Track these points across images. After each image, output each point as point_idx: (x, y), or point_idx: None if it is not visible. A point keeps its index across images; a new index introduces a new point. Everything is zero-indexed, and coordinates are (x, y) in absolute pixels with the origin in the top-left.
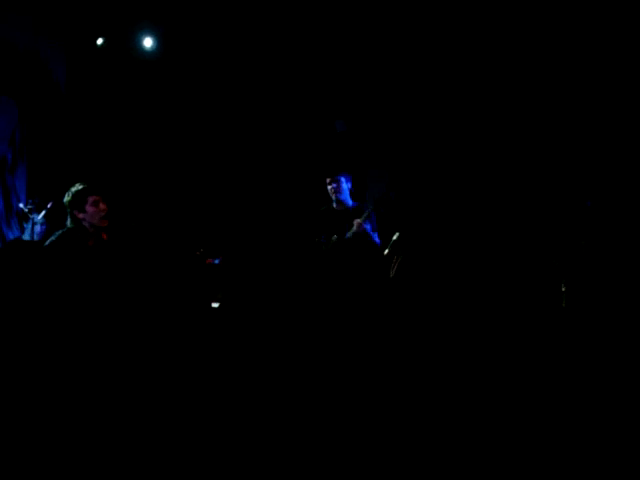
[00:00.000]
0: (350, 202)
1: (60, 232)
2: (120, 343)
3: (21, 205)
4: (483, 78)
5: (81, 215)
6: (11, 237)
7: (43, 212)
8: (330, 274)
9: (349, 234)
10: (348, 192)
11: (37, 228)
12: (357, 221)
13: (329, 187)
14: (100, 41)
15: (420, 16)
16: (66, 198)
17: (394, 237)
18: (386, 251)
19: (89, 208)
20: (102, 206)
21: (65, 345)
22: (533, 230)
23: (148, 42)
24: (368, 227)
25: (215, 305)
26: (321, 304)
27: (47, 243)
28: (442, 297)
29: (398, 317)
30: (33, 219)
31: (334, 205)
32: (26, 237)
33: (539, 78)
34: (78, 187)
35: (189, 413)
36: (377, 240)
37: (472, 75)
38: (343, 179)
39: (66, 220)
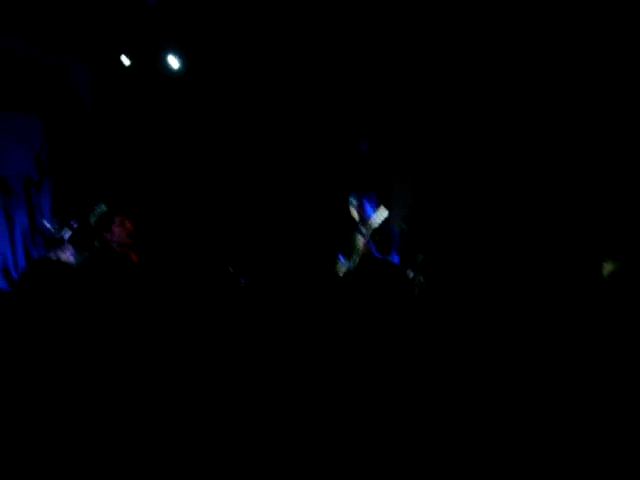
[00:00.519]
0: (373, 217)
1: (87, 254)
2: (146, 363)
3: (46, 223)
4: (503, 101)
5: (108, 235)
6: (35, 255)
7: (68, 232)
8: (344, 295)
9: (355, 256)
10: (372, 211)
11: (66, 248)
12: (360, 240)
13: (352, 208)
14: (126, 61)
15: (438, 40)
16: (92, 219)
17: (419, 258)
18: (410, 274)
19: (116, 228)
20: (128, 225)
21: (91, 366)
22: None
23: (174, 62)
24: (373, 247)
25: None
26: (337, 325)
27: (76, 264)
28: (464, 316)
29: (419, 337)
30: (59, 237)
31: (362, 229)
32: (52, 256)
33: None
34: (103, 208)
35: (206, 422)
36: (390, 259)
37: (493, 98)
38: (366, 201)
39: (93, 241)
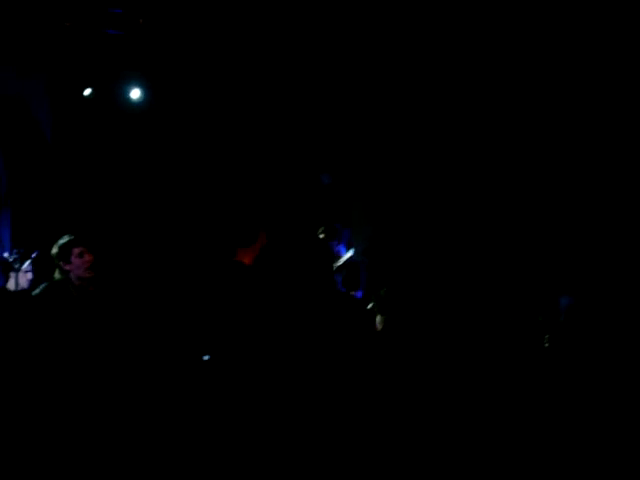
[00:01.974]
0: (343, 252)
1: (46, 284)
2: (109, 396)
3: (5, 254)
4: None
5: (67, 266)
6: None
7: (28, 262)
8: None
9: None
10: (343, 248)
11: (25, 277)
12: None
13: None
14: (87, 91)
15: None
16: (53, 250)
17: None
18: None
19: (74, 260)
20: (87, 257)
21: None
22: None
23: (135, 93)
24: (338, 279)
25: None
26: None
27: (33, 294)
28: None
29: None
30: (19, 268)
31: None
32: (11, 286)
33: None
34: (64, 239)
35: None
36: (355, 294)
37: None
38: (335, 243)
39: (54, 272)
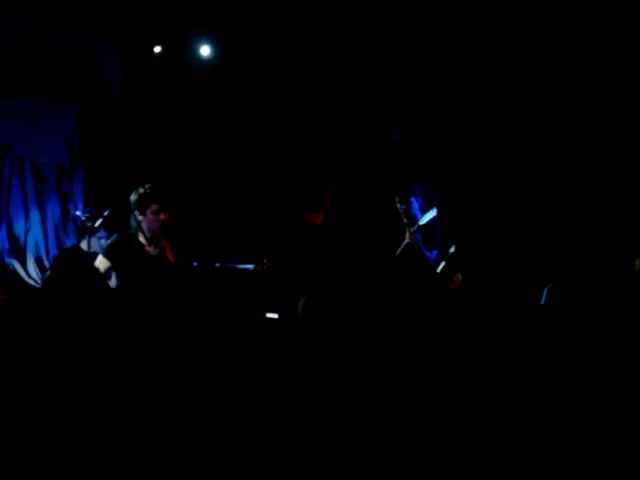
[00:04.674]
0: (419, 215)
1: (118, 235)
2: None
3: (78, 212)
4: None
5: (140, 217)
6: (68, 244)
7: (100, 220)
8: (381, 287)
9: (401, 247)
10: (418, 208)
11: (99, 242)
12: (409, 230)
13: (399, 206)
14: (158, 49)
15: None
16: (132, 196)
17: (451, 249)
18: (442, 265)
19: (149, 214)
20: (162, 216)
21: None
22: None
23: (205, 50)
24: (419, 237)
25: (272, 315)
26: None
27: (105, 245)
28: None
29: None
30: (91, 226)
31: (405, 220)
32: (84, 246)
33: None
34: (146, 189)
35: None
36: (430, 255)
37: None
38: (413, 199)
39: (129, 219)
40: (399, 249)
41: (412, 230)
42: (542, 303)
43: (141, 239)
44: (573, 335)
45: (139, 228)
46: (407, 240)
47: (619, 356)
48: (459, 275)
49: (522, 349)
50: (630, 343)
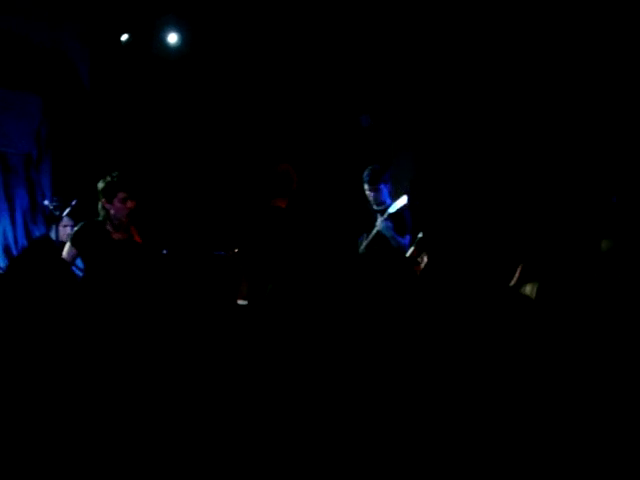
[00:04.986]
0: (389, 201)
1: (84, 222)
2: (137, 341)
3: (46, 202)
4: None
5: (108, 206)
6: (37, 233)
7: (68, 209)
8: (351, 275)
9: (370, 235)
10: (387, 194)
11: (65, 231)
12: (379, 219)
13: (368, 194)
14: (124, 37)
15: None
16: (100, 184)
17: (419, 235)
18: (410, 250)
19: (117, 203)
20: (129, 204)
21: (85, 343)
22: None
23: (172, 38)
24: (390, 225)
25: (242, 302)
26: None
27: (72, 232)
28: (470, 296)
29: (422, 317)
30: (59, 215)
31: (374, 207)
32: (52, 236)
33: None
34: (113, 178)
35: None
36: (403, 240)
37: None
38: (382, 186)
39: (97, 208)
40: (369, 236)
41: (383, 218)
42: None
43: (108, 227)
44: (542, 317)
45: (107, 216)
46: (377, 228)
47: (589, 339)
48: (423, 256)
49: (492, 333)
50: (598, 326)
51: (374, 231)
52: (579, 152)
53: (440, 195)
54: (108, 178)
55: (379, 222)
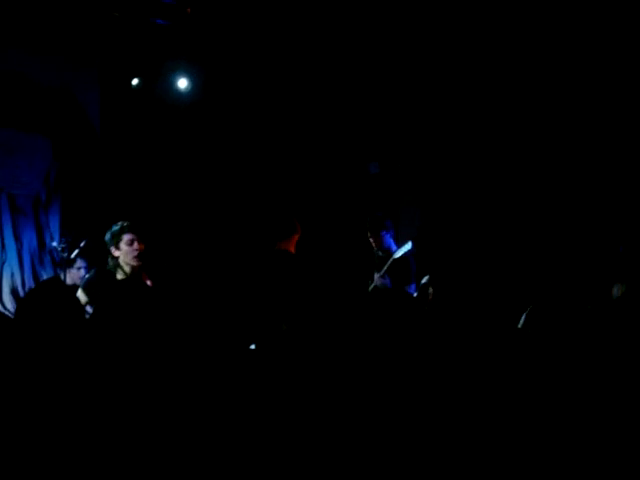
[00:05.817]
0: (394, 247)
1: (95, 270)
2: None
3: (54, 243)
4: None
5: (117, 253)
6: (44, 275)
7: (76, 251)
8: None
9: (371, 287)
10: (391, 240)
11: (78, 274)
12: (376, 275)
13: (371, 240)
14: (135, 81)
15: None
16: (106, 236)
17: (423, 280)
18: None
19: (123, 247)
20: (136, 245)
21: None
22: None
23: (183, 83)
24: (387, 281)
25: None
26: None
27: (84, 279)
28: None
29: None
30: (67, 257)
31: (379, 253)
32: (64, 278)
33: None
34: (117, 225)
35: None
36: (408, 289)
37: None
38: (384, 233)
39: (104, 260)
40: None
41: (379, 275)
42: (519, 327)
43: (119, 276)
44: (550, 359)
45: (117, 265)
46: (375, 283)
47: (598, 379)
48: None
49: (501, 371)
50: (608, 367)
51: (371, 286)
52: (584, 195)
53: (447, 241)
54: (113, 227)
55: (376, 279)
